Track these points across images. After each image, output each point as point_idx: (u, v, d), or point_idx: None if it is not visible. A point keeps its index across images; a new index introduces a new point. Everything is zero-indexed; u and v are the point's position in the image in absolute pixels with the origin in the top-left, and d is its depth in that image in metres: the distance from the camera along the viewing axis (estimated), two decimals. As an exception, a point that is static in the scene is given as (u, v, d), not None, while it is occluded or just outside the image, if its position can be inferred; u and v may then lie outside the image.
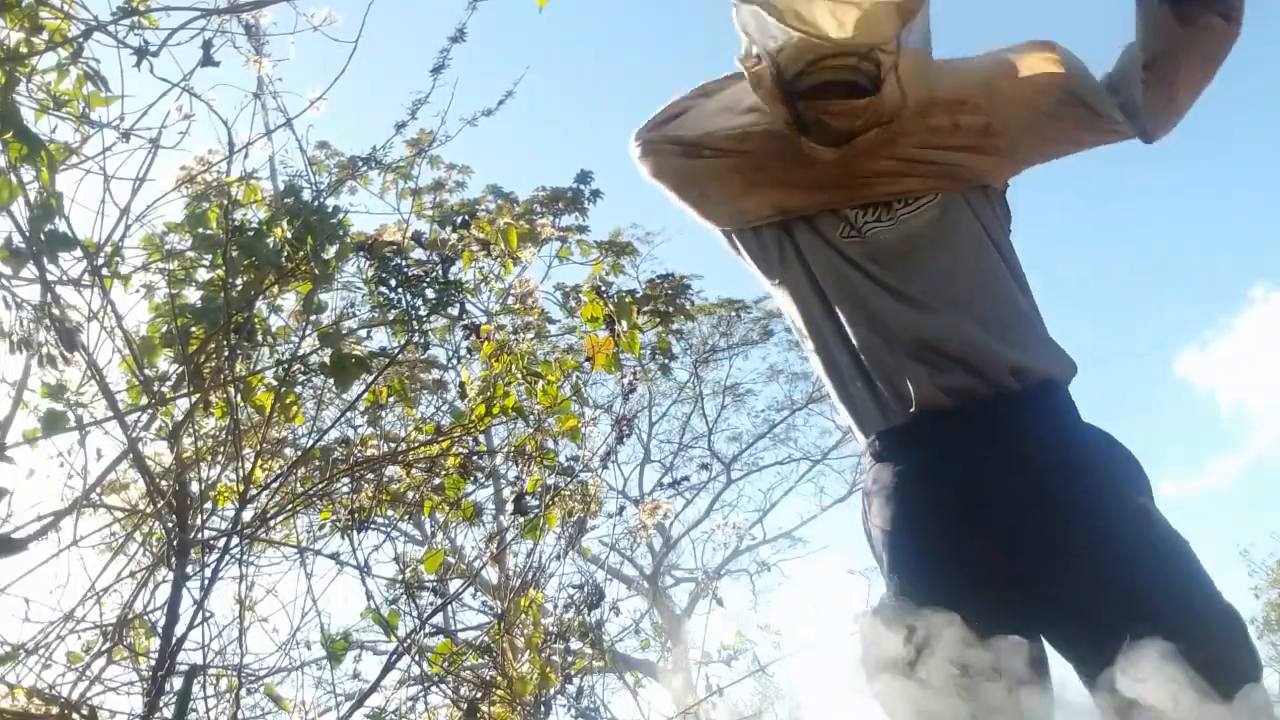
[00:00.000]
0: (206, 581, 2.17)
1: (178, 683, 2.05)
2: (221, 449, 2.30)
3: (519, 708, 2.84)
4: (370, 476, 2.77)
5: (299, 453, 2.56)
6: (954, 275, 1.62)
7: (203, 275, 2.25)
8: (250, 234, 2.14)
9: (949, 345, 1.56)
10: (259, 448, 2.41)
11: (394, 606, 2.73)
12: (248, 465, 2.31)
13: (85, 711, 1.99)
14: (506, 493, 3.23)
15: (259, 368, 2.37)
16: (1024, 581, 1.46)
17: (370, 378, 2.46)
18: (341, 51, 2.15)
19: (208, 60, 1.93)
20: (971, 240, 1.67)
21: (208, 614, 2.21)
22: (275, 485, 2.40)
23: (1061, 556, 1.45)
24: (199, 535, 2.18)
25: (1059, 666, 1.54)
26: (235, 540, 2.26)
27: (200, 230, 2.18)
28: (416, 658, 2.78)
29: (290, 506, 2.52)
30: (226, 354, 2.19)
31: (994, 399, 1.54)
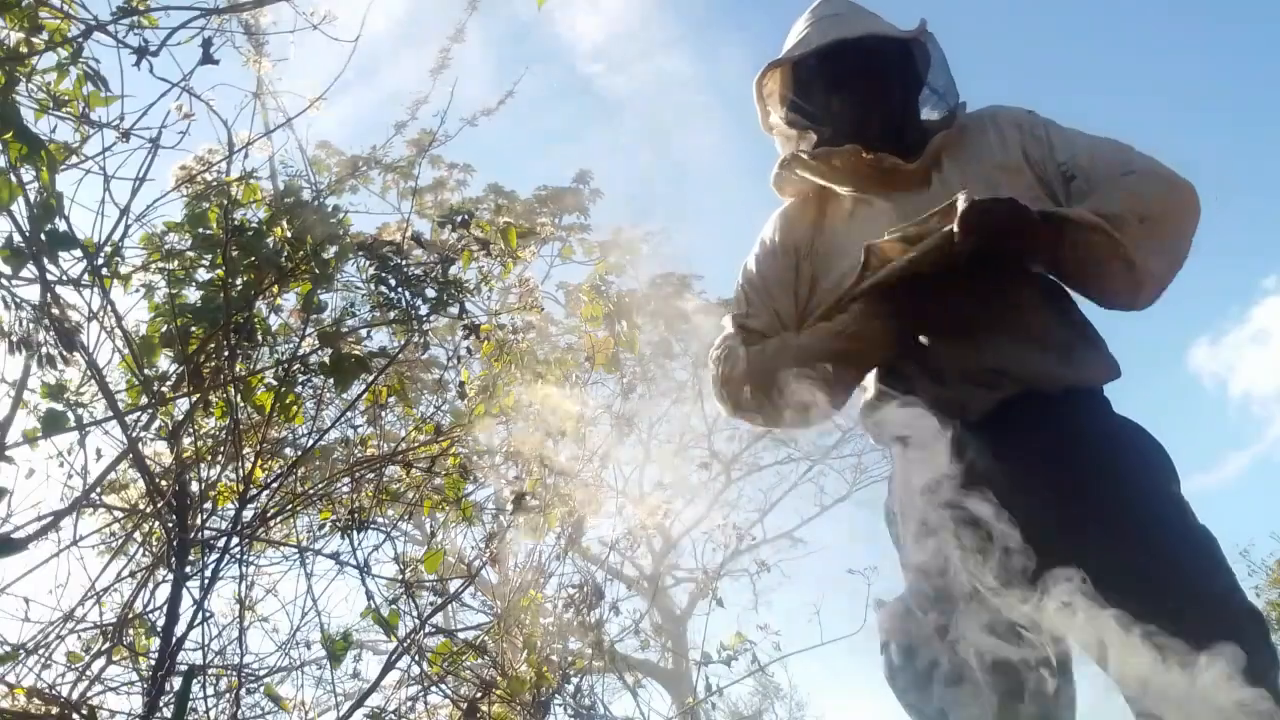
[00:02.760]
0: (206, 581, 2.17)
1: (178, 682, 2.05)
2: (221, 449, 2.30)
3: (518, 707, 2.84)
4: (370, 476, 2.76)
5: (299, 453, 2.55)
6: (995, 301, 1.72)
7: (203, 275, 2.25)
8: (250, 233, 2.13)
9: (1004, 366, 1.64)
10: (259, 448, 2.40)
11: (394, 606, 2.72)
12: (248, 465, 2.31)
13: (85, 711, 1.99)
14: (506, 493, 3.23)
15: (259, 368, 2.37)
16: (1052, 563, 1.47)
17: (370, 378, 2.45)
18: (342, 51, 2.15)
19: (207, 58, 1.93)
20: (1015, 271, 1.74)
21: (207, 614, 2.21)
22: (275, 485, 2.40)
23: (1090, 539, 1.46)
24: (199, 535, 2.18)
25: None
26: (235, 540, 2.26)
27: (200, 230, 2.18)
28: (416, 657, 2.77)
29: (290, 506, 2.52)
30: (226, 354, 2.19)
31: (1036, 399, 1.62)
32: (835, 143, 1.83)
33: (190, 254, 2.20)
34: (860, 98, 1.82)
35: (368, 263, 2.34)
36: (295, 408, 2.40)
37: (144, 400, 2.17)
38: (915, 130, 1.85)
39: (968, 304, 1.65)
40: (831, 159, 1.82)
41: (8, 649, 2.01)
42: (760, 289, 1.88)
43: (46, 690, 2.00)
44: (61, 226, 1.87)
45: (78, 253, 1.97)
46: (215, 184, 2.19)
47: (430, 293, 2.37)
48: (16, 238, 1.84)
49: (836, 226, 1.87)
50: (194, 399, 2.19)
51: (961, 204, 1.52)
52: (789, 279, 1.86)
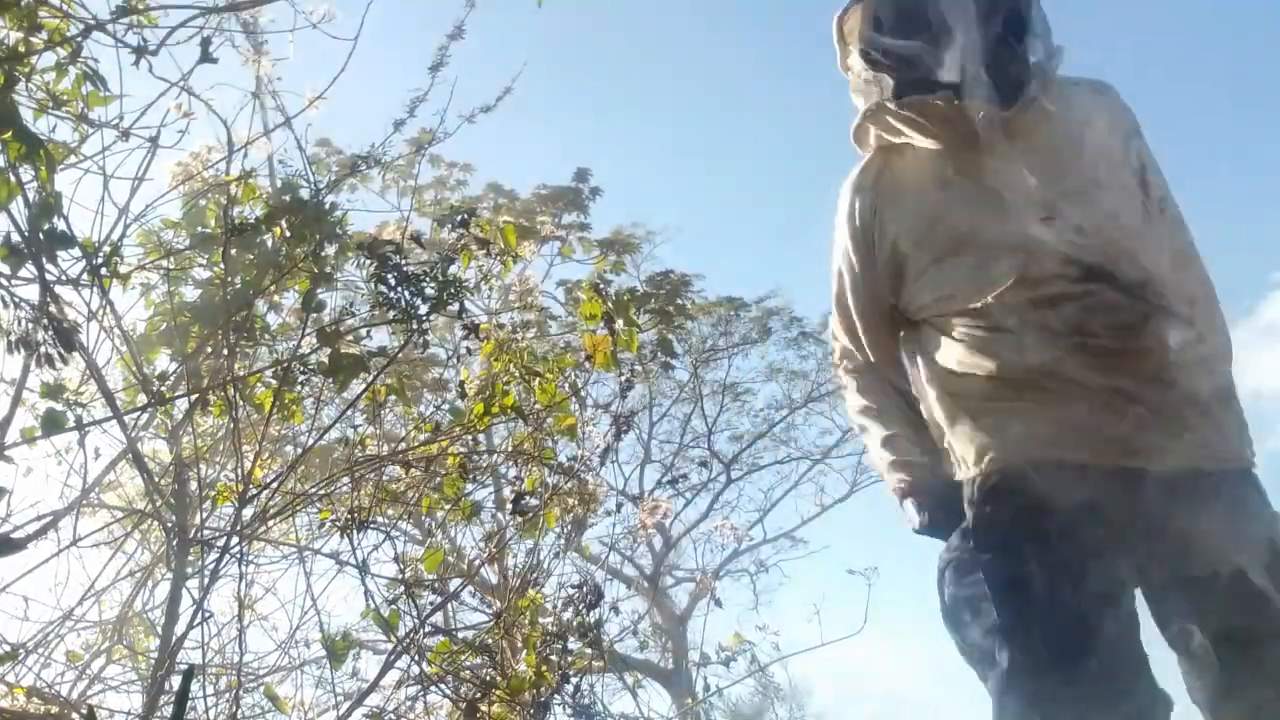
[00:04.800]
0: (206, 580, 2.17)
1: (177, 681, 2.05)
2: (220, 448, 2.30)
3: (518, 708, 2.84)
4: (370, 476, 2.76)
5: (299, 451, 2.55)
6: None
7: (201, 273, 2.25)
8: (247, 230, 2.13)
9: None
10: (258, 447, 2.40)
11: (394, 606, 2.72)
12: (247, 464, 2.31)
13: (84, 711, 1.99)
14: (506, 492, 3.23)
15: (258, 367, 2.37)
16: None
17: (370, 377, 2.45)
18: (341, 48, 2.14)
19: (206, 56, 1.93)
20: None
21: (207, 613, 2.21)
22: (274, 485, 2.40)
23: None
24: (198, 534, 2.18)
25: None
26: (235, 539, 2.26)
27: (199, 229, 2.18)
28: (416, 657, 2.77)
29: (290, 506, 2.51)
30: (225, 353, 2.19)
31: None
32: (915, 90, 1.67)
33: (189, 253, 2.20)
34: (946, 39, 1.63)
35: (367, 261, 2.34)
36: (295, 407, 2.40)
37: (143, 399, 2.17)
38: (1015, 82, 1.65)
39: None
40: (918, 109, 1.66)
41: (8, 648, 2.01)
42: (848, 309, 1.84)
43: (46, 689, 2.00)
44: (60, 225, 1.87)
45: (77, 252, 1.96)
46: (213, 182, 2.19)
47: (430, 291, 2.37)
48: (15, 237, 1.84)
49: (908, 188, 1.74)
50: (193, 398, 2.19)
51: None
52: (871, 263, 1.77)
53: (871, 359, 1.86)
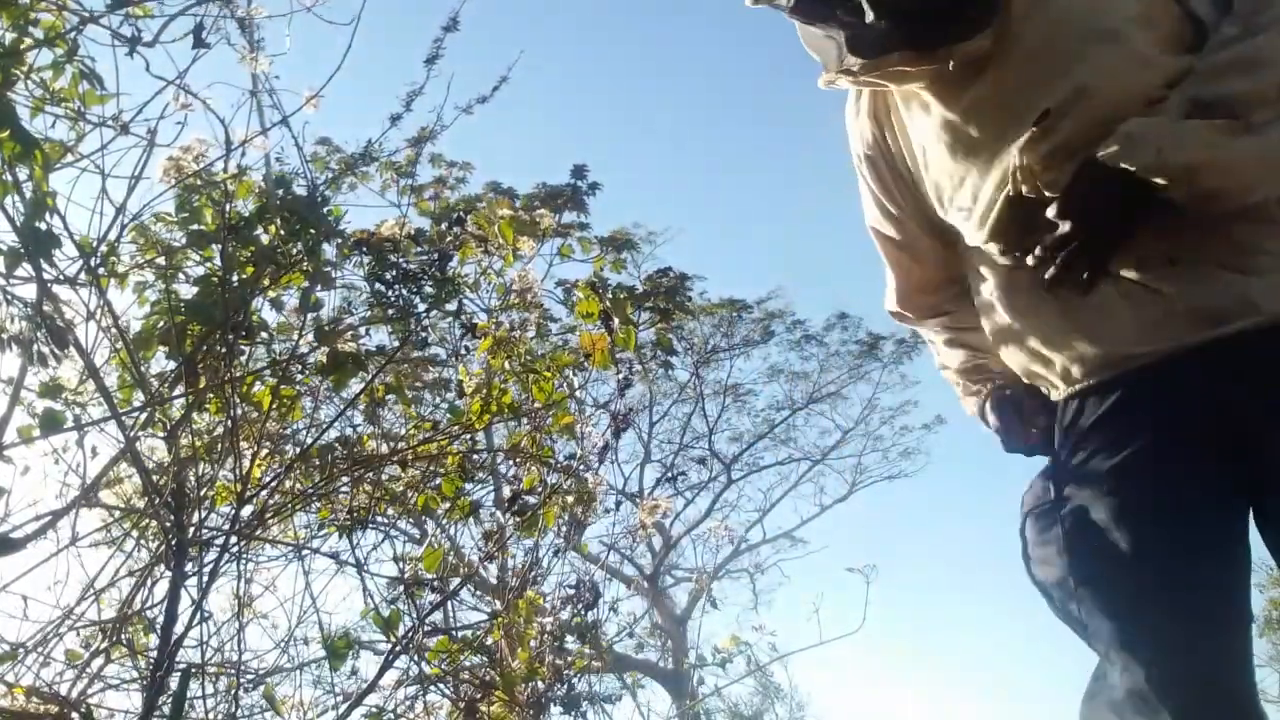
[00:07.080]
0: (205, 580, 2.17)
1: (177, 681, 2.05)
2: (219, 446, 2.30)
3: (517, 708, 2.83)
4: (369, 475, 2.76)
5: (298, 449, 2.55)
6: None
7: (197, 271, 2.24)
8: (242, 225, 2.13)
9: None
10: (256, 446, 2.40)
11: (393, 605, 2.72)
12: (245, 463, 2.30)
13: (84, 710, 1.99)
14: (505, 491, 3.22)
15: (256, 366, 2.36)
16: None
17: (369, 375, 2.45)
18: (339, 43, 2.14)
19: (199, 43, 1.91)
20: None
21: (206, 613, 2.21)
22: (273, 483, 2.39)
23: None
24: (197, 533, 2.17)
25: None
26: (233, 538, 2.26)
27: (195, 228, 2.18)
28: (415, 657, 2.77)
29: (288, 505, 2.51)
30: (224, 351, 2.18)
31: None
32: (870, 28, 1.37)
33: (185, 250, 2.20)
34: None
35: (366, 259, 2.34)
36: (294, 404, 2.39)
37: (140, 398, 2.17)
38: None
39: None
40: (878, 72, 1.41)
41: (7, 648, 2.00)
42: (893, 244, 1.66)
43: (45, 689, 2.00)
44: (55, 223, 1.87)
45: (74, 251, 1.96)
46: (208, 178, 2.19)
47: (428, 289, 2.37)
48: (11, 236, 1.84)
49: (896, 124, 1.56)
50: (191, 398, 2.19)
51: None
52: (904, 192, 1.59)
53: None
